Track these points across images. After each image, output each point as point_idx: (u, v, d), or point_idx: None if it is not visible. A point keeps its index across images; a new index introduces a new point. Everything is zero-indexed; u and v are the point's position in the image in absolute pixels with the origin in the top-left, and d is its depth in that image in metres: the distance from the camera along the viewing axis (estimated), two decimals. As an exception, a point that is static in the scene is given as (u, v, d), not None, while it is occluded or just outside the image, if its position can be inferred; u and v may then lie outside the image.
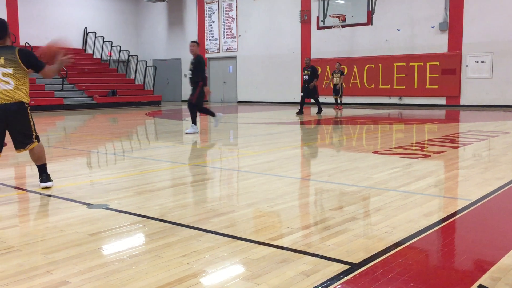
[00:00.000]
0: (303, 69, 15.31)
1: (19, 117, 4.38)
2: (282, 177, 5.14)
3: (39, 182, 4.65)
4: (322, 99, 20.92)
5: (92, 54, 23.78)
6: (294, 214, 3.80)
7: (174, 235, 3.16)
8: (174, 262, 2.69)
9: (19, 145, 4.48)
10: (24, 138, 4.47)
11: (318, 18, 18.60)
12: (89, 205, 3.95)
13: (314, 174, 5.50)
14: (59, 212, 3.76)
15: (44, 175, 4.60)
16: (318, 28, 18.98)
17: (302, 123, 12.61)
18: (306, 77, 15.01)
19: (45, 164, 4.65)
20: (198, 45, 9.79)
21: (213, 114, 9.96)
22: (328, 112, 16.16)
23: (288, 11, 21.43)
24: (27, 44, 21.32)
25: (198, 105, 9.86)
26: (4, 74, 4.26)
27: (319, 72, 16.32)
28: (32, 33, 21.61)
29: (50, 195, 4.32)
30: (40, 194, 4.39)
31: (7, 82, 4.28)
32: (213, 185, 5.03)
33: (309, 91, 14.99)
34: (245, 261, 2.71)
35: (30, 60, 4.40)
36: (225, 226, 3.34)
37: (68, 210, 3.82)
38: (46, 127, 12.63)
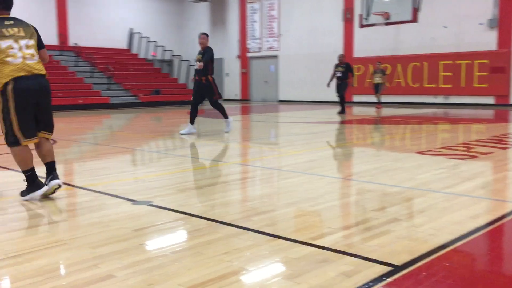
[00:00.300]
0: (336, 66, 14.79)
1: (50, 95, 3.96)
2: (323, 177, 5.10)
3: (47, 182, 4.11)
4: (362, 98, 20.56)
5: (137, 54, 24.34)
6: (335, 214, 3.77)
7: (215, 233, 3.19)
8: (215, 259, 2.72)
9: (48, 128, 4.01)
10: (51, 122, 4.02)
11: (361, 16, 18.36)
12: (133, 201, 4.05)
13: (355, 174, 5.44)
14: (105, 208, 3.87)
15: (55, 173, 4.09)
16: (361, 26, 18.73)
17: (343, 122, 12.48)
18: (339, 74, 14.59)
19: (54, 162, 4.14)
20: (208, 38, 9.38)
21: (226, 116, 9.49)
22: (368, 111, 15.91)
23: (330, 10, 21.25)
24: (76, 45, 22.07)
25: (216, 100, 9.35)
26: (28, 46, 3.80)
27: (358, 72, 16.05)
28: (81, 34, 22.33)
29: (96, 191, 4.45)
30: (87, 190, 4.53)
31: (33, 55, 3.82)
32: (254, 183, 5.05)
33: (340, 87, 14.52)
34: (286, 260, 2.71)
35: (39, 36, 4.00)
36: (265, 225, 3.35)
37: (113, 206, 3.92)
38: (93, 125, 13.02)
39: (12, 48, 3.70)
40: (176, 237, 3.23)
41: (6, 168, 5.69)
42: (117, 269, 2.58)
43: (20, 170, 4.13)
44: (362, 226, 3.36)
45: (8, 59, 3.67)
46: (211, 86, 9.16)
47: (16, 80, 3.66)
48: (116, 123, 13.82)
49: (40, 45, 3.98)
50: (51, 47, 21.13)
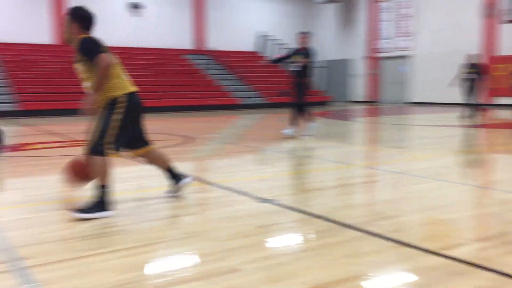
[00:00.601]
0: (467, 66, 13.54)
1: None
2: (456, 184, 4.77)
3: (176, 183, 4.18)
4: (504, 100, 18.82)
5: (265, 57, 25.01)
6: (469, 224, 3.50)
7: (338, 235, 3.15)
8: (339, 261, 2.68)
9: (140, 143, 3.98)
10: (145, 134, 4.03)
11: (504, 11, 16.83)
12: (258, 199, 4.16)
13: (493, 183, 5.00)
14: (232, 204, 4.03)
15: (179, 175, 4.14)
16: (504, 22, 17.16)
17: (479, 126, 11.55)
18: (471, 76, 13.34)
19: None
20: (309, 37, 9.10)
21: (312, 121, 9.15)
22: (509, 115, 14.52)
23: (468, 6, 19.80)
24: (215, 49, 23.27)
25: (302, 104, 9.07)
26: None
27: (501, 72, 14.72)
28: (217, 38, 23.56)
29: (224, 188, 4.65)
30: (217, 186, 4.76)
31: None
32: (380, 187, 4.90)
33: (471, 90, 13.39)
34: (413, 269, 2.58)
35: None
36: (391, 230, 3.23)
37: (240, 203, 4.07)
38: (223, 124, 13.65)
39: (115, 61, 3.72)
40: (298, 236, 3.25)
41: (139, 161, 6.19)
42: (241, 263, 2.67)
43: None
44: (501, 239, 3.07)
45: (121, 72, 3.75)
46: (303, 88, 8.98)
47: (131, 94, 3.71)
48: (244, 123, 14.34)
49: None
50: (187, 51, 22.63)
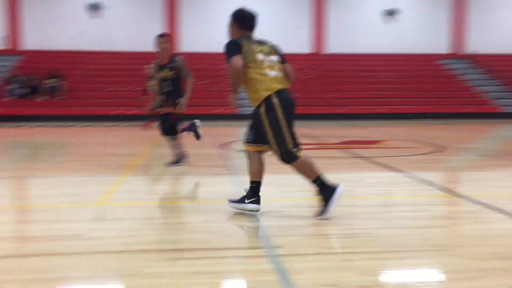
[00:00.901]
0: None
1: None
2: None
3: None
4: None
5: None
6: None
7: None
8: None
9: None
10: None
11: None
12: (520, 219, 3.66)
13: None
14: (486, 221, 3.65)
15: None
16: None
17: None
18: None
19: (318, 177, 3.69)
20: None
21: None
22: None
23: None
24: (475, 52, 21.45)
25: None
26: (275, 62, 3.74)
27: None
28: (478, 40, 21.67)
29: (478, 202, 4.24)
30: (469, 200, 4.38)
31: (280, 70, 3.75)
32: None
33: None
34: None
35: (281, 52, 3.89)
36: None
37: (494, 221, 3.66)
38: (479, 134, 12.49)
39: (263, 61, 3.67)
40: None
41: (387, 167, 6.10)
42: (497, 285, 2.39)
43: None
44: None
45: (266, 71, 3.65)
46: None
47: (278, 92, 3.62)
48: (506, 134, 12.84)
49: (283, 60, 3.85)
50: (442, 56, 21.45)
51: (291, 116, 3.66)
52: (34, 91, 16.28)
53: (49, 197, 4.51)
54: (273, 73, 3.66)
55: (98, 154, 7.96)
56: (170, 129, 6.16)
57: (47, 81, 16.43)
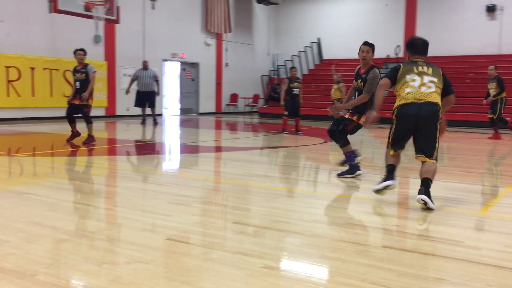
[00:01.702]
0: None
1: (432, 122, 4.29)
2: None
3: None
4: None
5: None
6: None
7: None
8: None
9: (423, 152, 4.35)
10: (427, 146, 4.33)
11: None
12: None
13: None
14: None
15: (423, 188, 4.17)
16: None
17: None
18: None
19: (429, 180, 4.20)
20: None
21: None
22: None
23: None
24: None
25: None
26: (429, 81, 4.33)
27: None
28: None
29: None
30: None
31: (429, 87, 4.31)
32: None
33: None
34: None
35: (446, 81, 4.44)
36: None
37: None
38: None
39: (414, 80, 4.31)
40: None
41: None
42: None
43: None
44: None
45: (407, 89, 4.32)
46: None
47: (402, 106, 4.33)
48: None
49: (448, 89, 4.42)
50: None
51: (404, 128, 4.37)
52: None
53: (433, 199, 4.63)
54: (414, 90, 4.29)
55: (475, 161, 7.64)
56: None
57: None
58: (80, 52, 8.71)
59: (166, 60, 18.70)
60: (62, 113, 13.24)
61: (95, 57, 15.64)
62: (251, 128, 15.08)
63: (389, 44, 20.20)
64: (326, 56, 22.40)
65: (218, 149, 9.11)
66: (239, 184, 5.32)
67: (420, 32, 20.02)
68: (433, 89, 4.27)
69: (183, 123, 16.08)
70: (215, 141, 10.84)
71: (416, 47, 4.51)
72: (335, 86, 14.32)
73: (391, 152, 4.49)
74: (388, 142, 4.53)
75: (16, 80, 13.73)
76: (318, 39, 22.31)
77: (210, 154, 8.23)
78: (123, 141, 9.76)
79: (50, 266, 2.67)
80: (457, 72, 18.02)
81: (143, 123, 13.76)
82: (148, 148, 9.24)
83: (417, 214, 4.09)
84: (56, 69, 14.65)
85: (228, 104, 21.59)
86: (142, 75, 13.67)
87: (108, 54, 16.21)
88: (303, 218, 3.81)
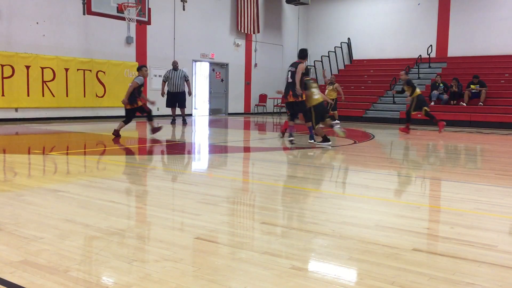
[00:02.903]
0: None
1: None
2: None
3: None
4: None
5: None
6: None
7: None
8: None
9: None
10: None
11: None
12: None
13: None
14: None
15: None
16: None
17: None
18: None
19: None
20: None
21: None
22: None
23: None
24: None
25: None
26: None
27: None
28: None
29: None
30: None
31: None
32: None
33: None
34: None
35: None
36: None
37: None
38: None
39: None
40: None
41: None
42: None
43: None
44: None
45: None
46: None
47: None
48: None
49: None
50: None
51: None
52: (453, 96, 16.58)
53: (465, 202, 4.54)
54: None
55: (510, 164, 7.44)
56: None
57: (470, 88, 16.43)
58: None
59: (196, 61, 18.86)
60: (95, 113, 13.56)
61: (127, 58, 15.90)
62: (280, 128, 15.06)
63: (421, 44, 19.84)
64: (357, 56, 22.18)
65: (247, 149, 9.14)
66: (267, 184, 5.32)
67: (453, 31, 19.62)
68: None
69: (212, 123, 16.19)
70: (243, 141, 10.87)
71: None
72: (329, 87, 14.85)
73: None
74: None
75: (50, 81, 14.09)
76: (348, 39, 22.11)
77: (239, 154, 8.26)
78: (153, 140, 9.89)
79: (82, 263, 2.72)
80: (491, 73, 17.58)
81: (173, 123, 13.91)
82: (177, 148, 9.34)
83: (449, 217, 4.01)
84: (89, 70, 14.96)
85: (257, 105, 21.62)
86: (172, 75, 13.83)
87: (139, 55, 16.46)
88: (331, 219, 3.79)
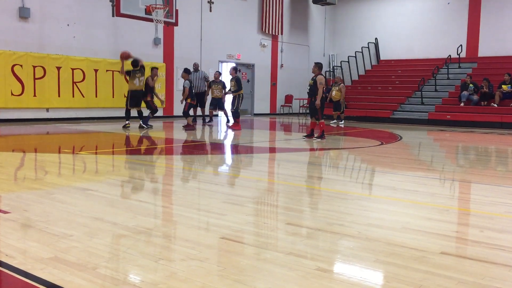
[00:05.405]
0: None
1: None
2: None
3: None
4: None
5: None
6: None
7: None
8: None
9: None
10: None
11: None
12: None
13: None
14: None
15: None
16: None
17: None
18: None
19: None
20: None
21: None
22: None
23: None
24: None
25: None
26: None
27: None
28: None
29: None
30: None
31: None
32: None
33: None
34: None
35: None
36: None
37: None
38: None
39: None
40: None
41: None
42: None
43: None
44: None
45: None
46: None
47: None
48: None
49: None
50: None
51: None
52: (484, 97, 16.23)
53: (496, 205, 4.44)
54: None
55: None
56: None
57: (501, 88, 16.04)
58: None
59: (222, 62, 18.95)
60: (123, 113, 13.76)
61: (154, 59, 16.08)
62: (306, 129, 15.00)
63: (451, 44, 19.47)
64: (384, 56, 21.92)
65: (272, 150, 9.13)
66: (292, 185, 5.31)
67: (484, 31, 19.19)
68: None
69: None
70: (269, 142, 10.87)
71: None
72: (335, 88, 15.03)
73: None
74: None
75: (80, 82, 14.37)
76: (376, 39, 21.86)
77: (264, 155, 8.26)
78: (178, 140, 9.98)
79: (109, 260, 2.77)
80: (523, 73, 17.10)
81: (194, 122, 14.06)
82: (203, 148, 9.40)
83: (478, 220, 3.93)
84: (118, 71, 15.20)
85: (283, 105, 21.58)
86: (193, 77, 14.03)
87: (166, 56, 16.63)
88: (357, 221, 3.75)
